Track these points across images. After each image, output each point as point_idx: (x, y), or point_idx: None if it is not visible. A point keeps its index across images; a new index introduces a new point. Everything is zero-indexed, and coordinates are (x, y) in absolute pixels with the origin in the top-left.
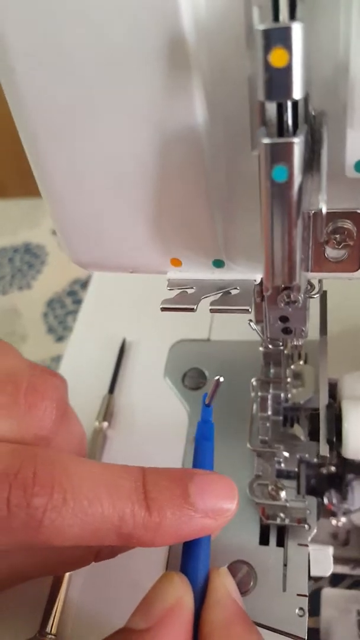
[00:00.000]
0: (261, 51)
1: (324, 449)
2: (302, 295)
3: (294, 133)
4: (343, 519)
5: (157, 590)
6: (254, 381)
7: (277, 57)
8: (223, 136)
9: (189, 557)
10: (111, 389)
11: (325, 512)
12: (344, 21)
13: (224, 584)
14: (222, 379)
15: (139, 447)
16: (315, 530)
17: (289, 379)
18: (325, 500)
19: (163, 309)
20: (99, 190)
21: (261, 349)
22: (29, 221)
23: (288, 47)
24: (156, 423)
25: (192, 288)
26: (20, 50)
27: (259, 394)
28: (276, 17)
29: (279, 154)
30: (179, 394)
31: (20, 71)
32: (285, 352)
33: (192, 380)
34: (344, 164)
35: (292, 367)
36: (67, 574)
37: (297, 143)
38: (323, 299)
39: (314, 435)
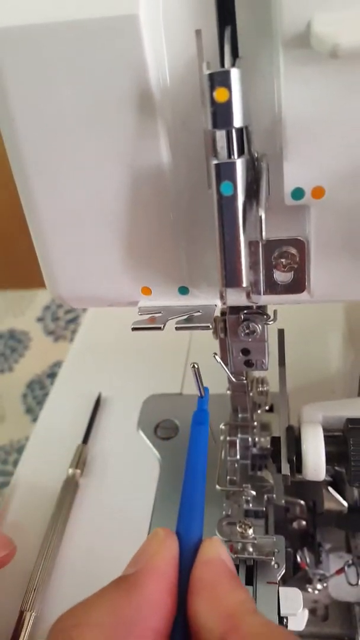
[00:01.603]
0: (208, 91)
1: (285, 468)
2: (259, 326)
3: (237, 157)
4: (319, 587)
5: (145, 543)
6: (222, 426)
7: (219, 94)
8: (185, 176)
9: (181, 521)
10: (85, 439)
11: (300, 578)
12: (277, 83)
13: (215, 547)
14: (197, 365)
15: (110, 495)
16: (284, 570)
17: (255, 423)
18: (299, 559)
19: (134, 329)
20: (80, 224)
21: (228, 392)
22: (14, 310)
23: (228, 86)
24: (128, 472)
25: (159, 313)
26: (20, 103)
27: (228, 438)
28: (222, 65)
29: (225, 172)
30: (151, 444)
31: (19, 120)
32: (251, 394)
33: (164, 430)
34: (283, 195)
35: (259, 412)
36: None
37: (239, 163)
38: (281, 335)
39: (275, 457)
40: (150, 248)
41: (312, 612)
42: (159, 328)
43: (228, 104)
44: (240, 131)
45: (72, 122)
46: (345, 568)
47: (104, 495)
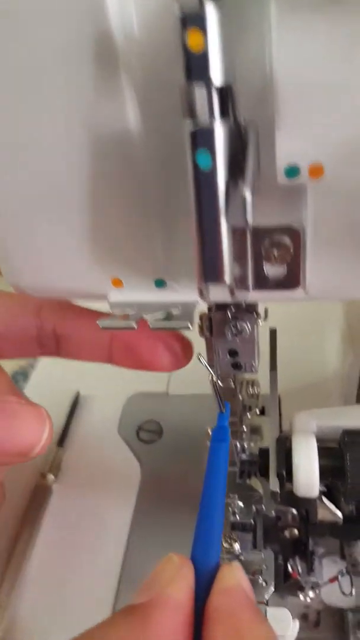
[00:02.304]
0: (180, 35)
1: (274, 484)
2: (248, 325)
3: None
4: (311, 594)
5: (158, 569)
6: (209, 430)
7: (193, 38)
8: (159, 147)
9: (197, 546)
10: (60, 442)
11: (292, 585)
12: (268, 35)
13: (234, 575)
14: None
15: (86, 503)
16: (272, 588)
17: (245, 429)
18: (290, 568)
19: (103, 328)
20: (33, 205)
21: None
22: None
23: (203, 28)
24: (106, 478)
25: (132, 309)
26: None
27: None
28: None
29: (203, 139)
30: (133, 447)
31: None
32: (240, 397)
33: (147, 433)
34: (275, 172)
35: (249, 416)
36: None
37: (220, 128)
38: (273, 336)
39: (263, 471)
40: (118, 232)
41: (304, 617)
42: (132, 327)
43: (204, 52)
44: (223, 92)
45: (17, 80)
46: (339, 577)
47: (78, 503)
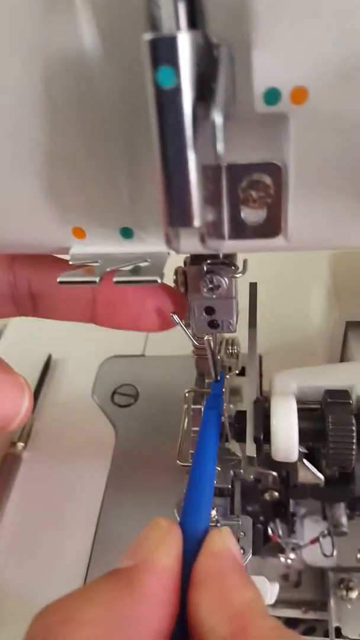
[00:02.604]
0: None
1: (251, 449)
2: (225, 279)
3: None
4: (292, 556)
5: (144, 533)
6: (186, 392)
7: None
8: (120, 73)
9: (187, 511)
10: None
11: (273, 547)
12: None
13: (223, 539)
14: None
15: (59, 469)
16: (250, 555)
17: (223, 390)
18: (270, 531)
19: (61, 282)
20: None
21: (193, 356)
22: None
23: None
24: (80, 444)
25: (97, 262)
26: None
27: (192, 406)
28: None
29: (163, 51)
30: (107, 412)
31: None
32: (219, 357)
33: (122, 397)
34: (252, 99)
35: (228, 377)
36: None
37: (184, 38)
38: (252, 290)
39: (241, 436)
40: (77, 174)
41: (285, 578)
42: (94, 282)
43: None
44: (190, 1)
45: None
46: (320, 538)
47: (50, 472)
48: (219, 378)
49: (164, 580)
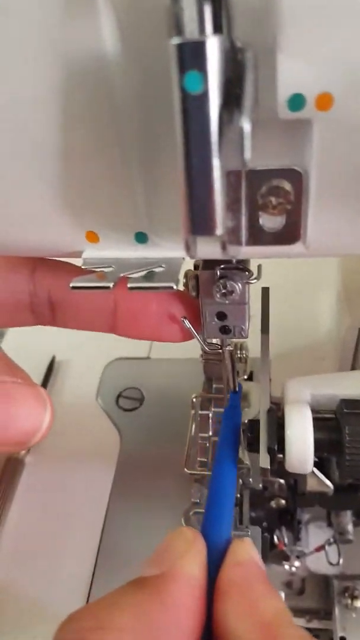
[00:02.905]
0: None
1: (264, 460)
2: (238, 284)
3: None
4: (297, 564)
5: (168, 540)
6: (194, 398)
7: None
8: (140, 77)
9: (209, 520)
10: None
11: (277, 555)
12: None
13: (246, 549)
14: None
15: (62, 474)
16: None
17: None
18: (276, 539)
19: (73, 288)
20: None
21: (201, 360)
22: None
23: None
24: (83, 449)
25: (110, 267)
26: None
27: (199, 412)
28: None
29: (191, 56)
30: (112, 416)
31: None
32: (227, 362)
33: (127, 400)
34: (276, 104)
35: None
36: None
37: (213, 43)
38: (265, 294)
39: (253, 446)
40: (92, 177)
41: (288, 585)
42: (107, 287)
43: None
44: (215, 4)
45: None
46: (326, 547)
47: (54, 477)
48: (237, 389)
49: (193, 589)
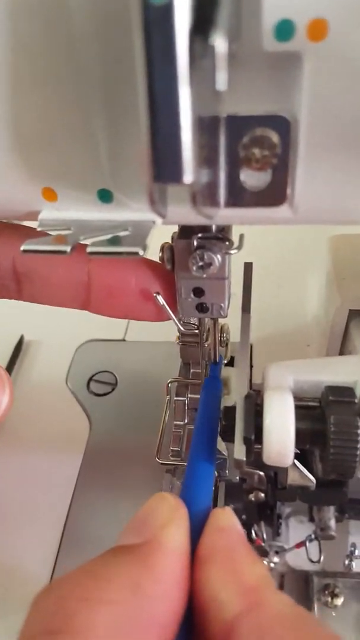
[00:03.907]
0: None
1: (240, 451)
2: (217, 256)
3: None
4: (276, 559)
5: (150, 507)
6: (169, 383)
7: None
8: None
9: (189, 487)
10: None
11: (254, 550)
12: None
13: (228, 516)
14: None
15: (27, 460)
16: None
17: None
18: (254, 534)
19: (25, 251)
20: None
21: (177, 343)
22: None
23: None
24: (50, 434)
25: (69, 229)
26: None
27: (174, 398)
28: None
29: None
30: (81, 401)
31: None
32: (206, 345)
33: (99, 385)
34: (260, 34)
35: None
36: None
37: None
38: (248, 270)
39: (228, 434)
40: (45, 125)
41: None
42: (64, 252)
43: None
44: None
45: None
46: (307, 543)
47: (17, 462)
48: (217, 360)
49: (180, 559)
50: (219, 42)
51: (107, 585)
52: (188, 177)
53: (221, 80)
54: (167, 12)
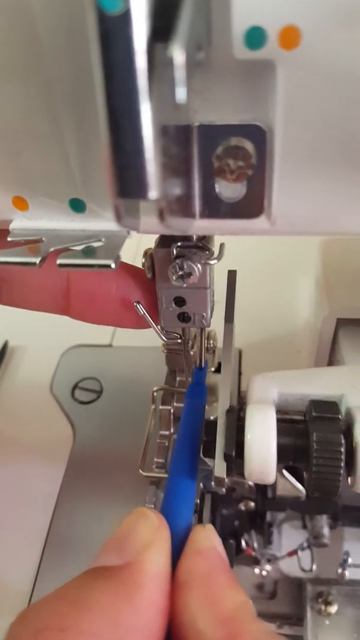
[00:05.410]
0: None
1: (220, 468)
2: (197, 266)
3: None
4: (268, 567)
5: (131, 524)
6: (154, 391)
7: None
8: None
9: (170, 504)
10: None
11: (246, 558)
12: None
13: (208, 536)
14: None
15: (9, 469)
16: None
17: None
18: (244, 544)
19: None
20: None
21: (163, 351)
22: None
23: None
24: (33, 442)
25: (41, 240)
26: None
27: (160, 407)
28: None
29: None
30: (66, 408)
31: None
32: (192, 352)
33: (84, 392)
34: (231, 41)
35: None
36: None
37: None
38: (231, 278)
39: (209, 451)
40: (14, 133)
41: (259, 588)
42: (33, 264)
43: None
44: None
45: None
46: (299, 551)
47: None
48: (203, 366)
49: (161, 585)
50: (177, 54)
51: (86, 614)
52: (153, 193)
53: (180, 94)
54: (123, 22)
